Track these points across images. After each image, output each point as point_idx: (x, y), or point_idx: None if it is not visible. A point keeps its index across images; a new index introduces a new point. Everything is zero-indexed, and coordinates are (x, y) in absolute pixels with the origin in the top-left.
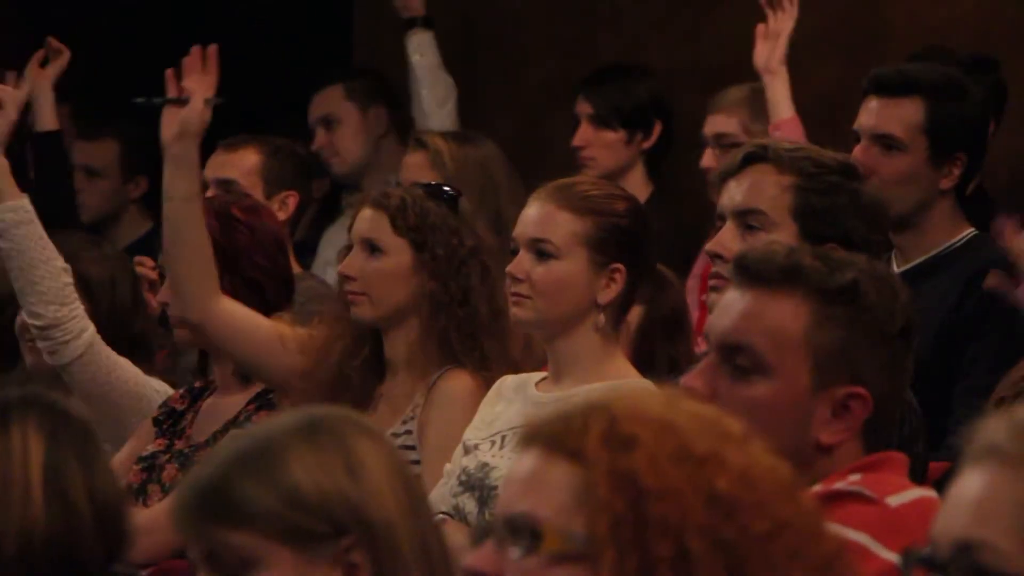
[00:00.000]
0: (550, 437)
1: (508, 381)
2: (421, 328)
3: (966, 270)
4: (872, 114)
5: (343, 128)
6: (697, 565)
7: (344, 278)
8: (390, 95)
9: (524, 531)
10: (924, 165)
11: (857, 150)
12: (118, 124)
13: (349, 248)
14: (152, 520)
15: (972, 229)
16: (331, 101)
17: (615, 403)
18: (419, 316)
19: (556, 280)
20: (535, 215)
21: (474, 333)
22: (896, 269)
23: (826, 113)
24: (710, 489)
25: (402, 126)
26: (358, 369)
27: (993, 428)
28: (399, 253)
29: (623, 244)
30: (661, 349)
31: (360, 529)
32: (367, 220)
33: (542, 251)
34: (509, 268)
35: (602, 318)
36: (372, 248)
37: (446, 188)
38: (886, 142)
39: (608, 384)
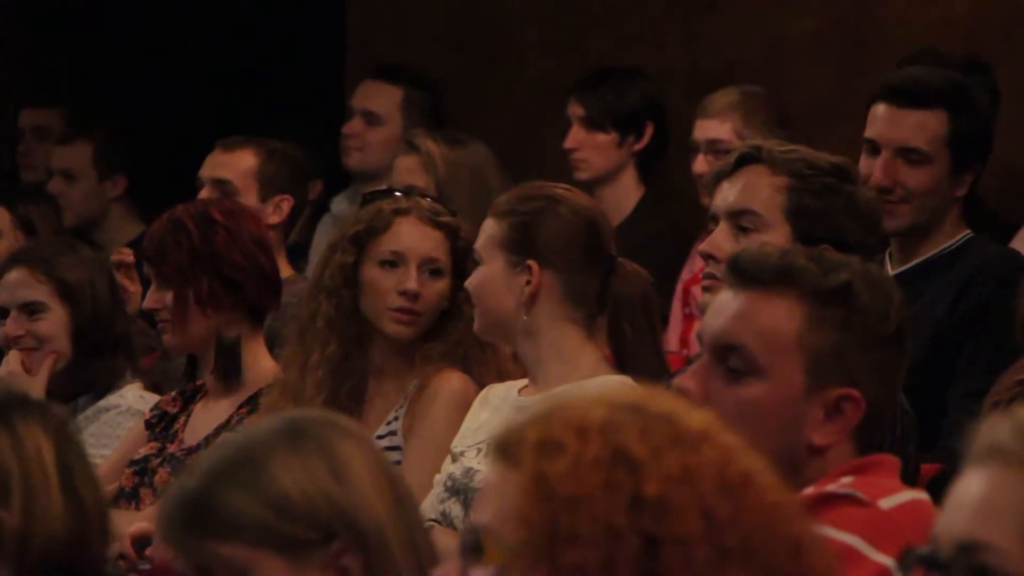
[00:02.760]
0: (502, 447)
1: (494, 389)
2: (440, 341)
3: (963, 272)
4: (895, 126)
5: (381, 132)
6: (596, 574)
7: (412, 296)
8: (438, 119)
9: (474, 543)
10: (945, 176)
11: (880, 164)
12: (91, 125)
13: (391, 264)
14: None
15: (968, 232)
16: (384, 101)
17: (561, 408)
18: (429, 333)
19: (477, 285)
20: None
21: (492, 353)
22: (892, 270)
23: (818, 116)
24: (634, 493)
25: None
26: (349, 389)
27: (996, 429)
28: (449, 275)
29: (532, 240)
30: (623, 339)
31: (349, 532)
32: (427, 239)
33: (474, 259)
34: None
35: (529, 317)
36: (434, 270)
37: (451, 208)
38: (912, 155)
39: (576, 385)
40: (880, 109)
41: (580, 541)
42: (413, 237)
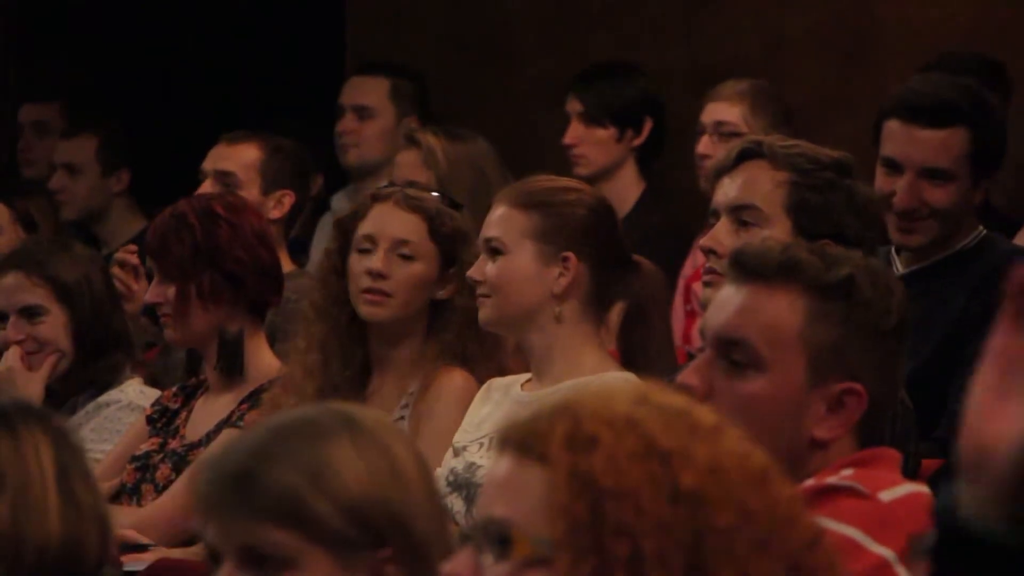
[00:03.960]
0: (520, 441)
1: (496, 383)
2: (439, 334)
3: (977, 271)
4: (917, 146)
5: (375, 124)
6: (650, 565)
7: (375, 275)
8: (427, 107)
9: (496, 537)
10: (967, 190)
11: (904, 187)
12: (96, 119)
13: (363, 249)
14: (147, 519)
15: (982, 229)
16: (373, 93)
17: (582, 403)
18: (424, 321)
19: (505, 275)
20: (492, 217)
21: (496, 344)
22: (903, 267)
23: (818, 112)
24: (674, 485)
25: None
26: (348, 379)
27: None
28: (429, 259)
29: (569, 233)
30: (638, 337)
31: (400, 540)
32: (399, 221)
33: (493, 249)
34: (469, 272)
35: (561, 309)
36: (404, 252)
37: (454, 200)
38: (936, 175)
39: (582, 380)
40: (897, 127)
41: (631, 534)
42: (384, 219)
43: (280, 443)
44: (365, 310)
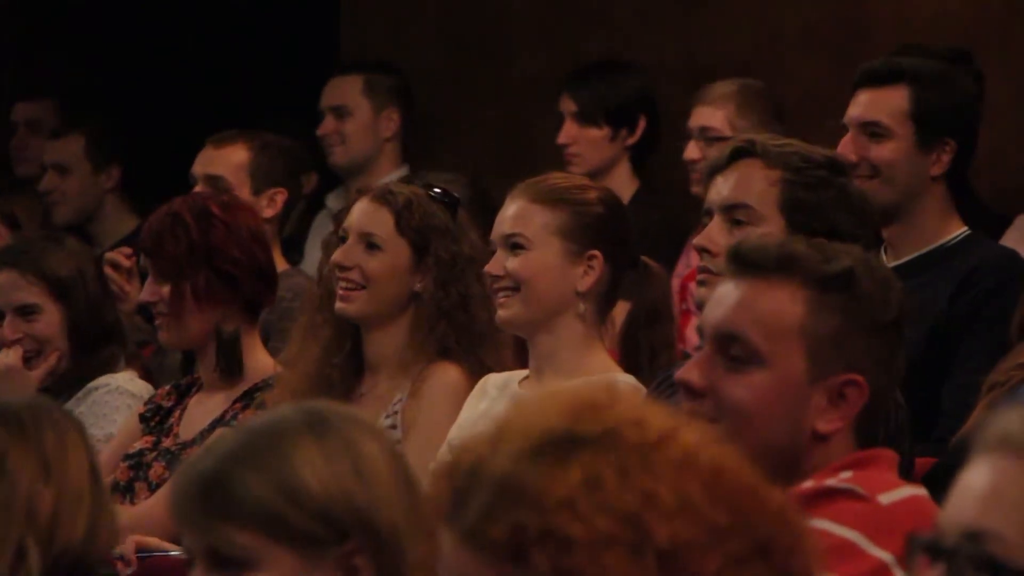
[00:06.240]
0: (477, 535)
1: (492, 379)
2: (418, 330)
3: (960, 269)
4: (859, 105)
5: (353, 121)
6: None
7: (340, 267)
8: (407, 99)
9: None
10: (912, 151)
11: (844, 140)
12: (82, 117)
13: (341, 239)
14: (140, 517)
15: (965, 228)
16: (347, 92)
17: (531, 487)
18: (408, 317)
19: (532, 270)
20: (508, 213)
21: (473, 340)
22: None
23: (813, 110)
24: (652, 548)
25: (409, 133)
26: (339, 367)
27: (1006, 419)
28: (397, 252)
29: (597, 231)
30: (644, 340)
31: (364, 533)
32: (367, 214)
33: (515, 244)
34: (486, 268)
35: (583, 307)
36: (370, 243)
37: (448, 193)
38: (872, 130)
39: (587, 379)
40: (856, 95)
41: None
42: (356, 213)
43: (246, 446)
44: (338, 304)
